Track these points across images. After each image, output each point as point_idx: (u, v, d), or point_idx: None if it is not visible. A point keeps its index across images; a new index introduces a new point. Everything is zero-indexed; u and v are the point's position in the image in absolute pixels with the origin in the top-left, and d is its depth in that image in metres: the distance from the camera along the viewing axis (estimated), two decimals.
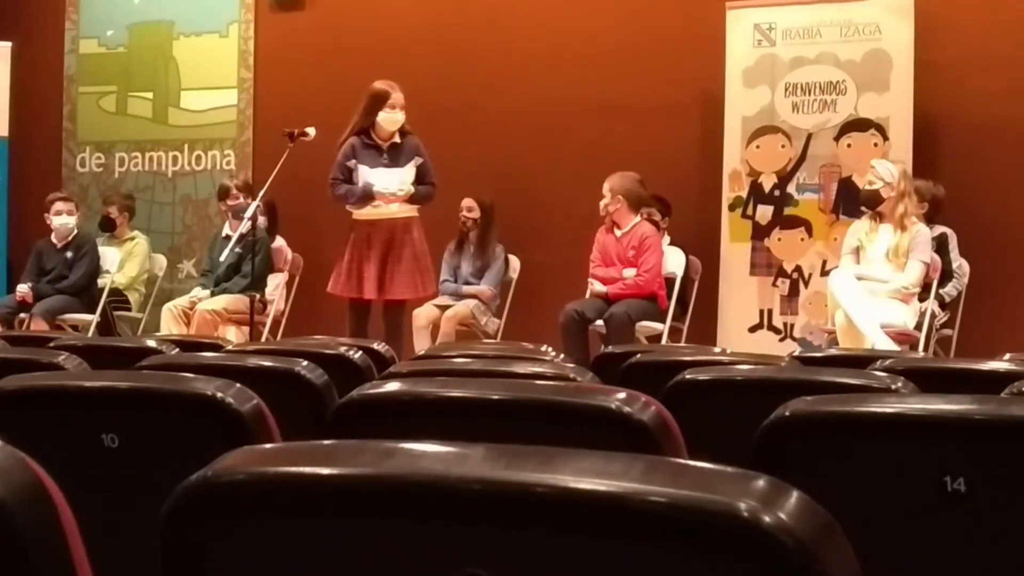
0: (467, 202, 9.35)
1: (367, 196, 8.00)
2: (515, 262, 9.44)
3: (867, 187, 7.78)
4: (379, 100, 8.08)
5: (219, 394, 2.12)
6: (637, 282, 8.45)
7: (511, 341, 7.90)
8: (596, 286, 8.56)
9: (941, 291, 8.01)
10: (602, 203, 8.57)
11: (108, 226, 10.28)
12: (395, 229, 8.03)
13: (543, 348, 4.47)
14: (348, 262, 8.08)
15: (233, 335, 8.87)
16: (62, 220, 9.80)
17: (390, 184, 7.98)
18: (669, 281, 8.68)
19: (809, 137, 8.66)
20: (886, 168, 7.73)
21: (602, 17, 9.61)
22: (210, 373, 2.40)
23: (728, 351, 4.83)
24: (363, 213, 8.06)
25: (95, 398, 2.27)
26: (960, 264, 8.21)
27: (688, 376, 2.81)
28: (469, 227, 9.35)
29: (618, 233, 8.59)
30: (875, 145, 8.45)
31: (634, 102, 9.23)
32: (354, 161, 8.04)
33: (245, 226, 8.52)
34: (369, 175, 8.00)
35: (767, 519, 1.00)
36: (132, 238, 10.30)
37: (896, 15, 8.48)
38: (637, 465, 1.09)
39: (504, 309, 9.33)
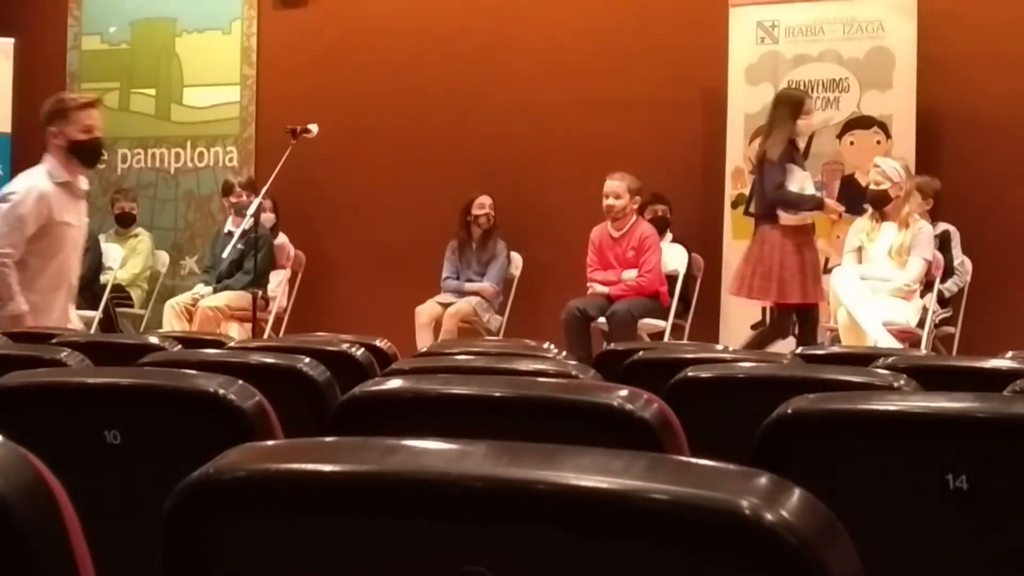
0: (484, 199, 9.33)
1: (817, 206, 7.82)
2: (517, 259, 9.44)
3: (873, 187, 7.73)
4: (799, 106, 7.85)
5: (221, 391, 2.12)
6: (639, 283, 8.44)
7: (513, 338, 7.91)
8: (597, 288, 8.54)
9: (941, 287, 8.01)
10: (619, 203, 8.50)
11: (127, 221, 10.32)
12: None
13: (545, 345, 4.47)
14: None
15: (235, 332, 8.88)
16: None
17: (809, 188, 7.87)
18: (671, 279, 8.68)
19: (812, 135, 8.65)
20: (891, 167, 7.71)
21: (605, 15, 9.61)
22: (212, 370, 2.40)
23: (730, 348, 4.84)
24: (791, 219, 7.76)
25: (97, 394, 2.27)
26: (962, 261, 8.21)
27: (690, 374, 2.81)
28: (483, 224, 9.33)
29: (616, 234, 8.57)
30: (878, 143, 8.44)
31: (637, 99, 9.23)
32: (790, 164, 7.77)
33: (248, 223, 8.52)
34: (805, 182, 7.83)
35: (769, 517, 1.00)
36: (135, 234, 10.32)
37: (899, 12, 8.48)
38: (639, 463, 1.09)
39: (506, 306, 9.33)
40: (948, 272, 8.08)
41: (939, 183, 8.27)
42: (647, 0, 9.51)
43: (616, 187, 8.52)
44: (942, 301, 8.06)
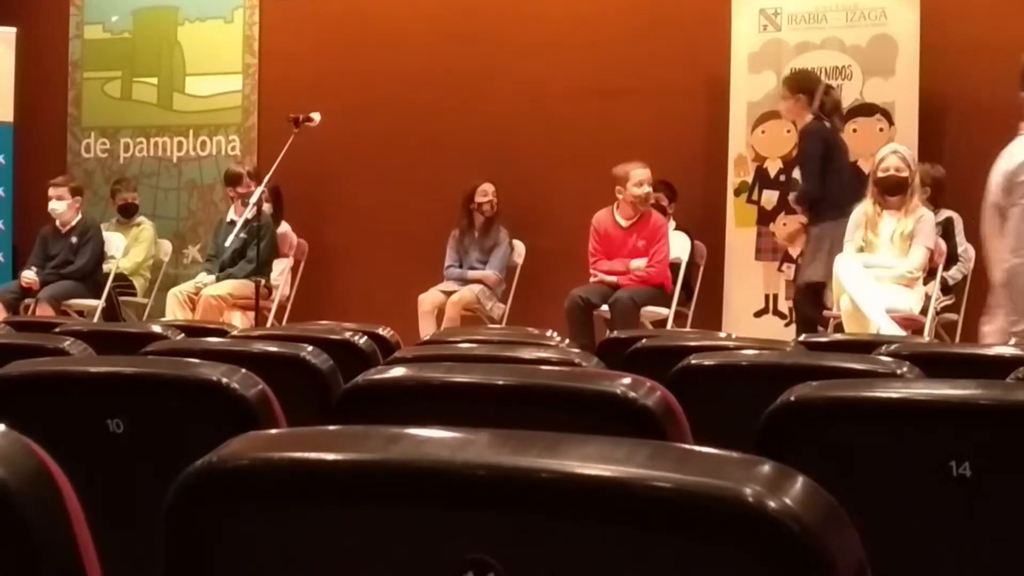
0: (487, 187, 9.32)
1: None
2: (520, 247, 9.43)
3: (895, 174, 7.64)
4: None
5: (224, 379, 2.12)
6: (649, 273, 8.41)
7: (516, 326, 7.91)
8: (604, 278, 8.50)
9: (945, 274, 8.00)
10: (646, 190, 8.44)
11: (130, 211, 10.31)
12: None
13: (548, 333, 4.47)
14: None
15: (238, 320, 8.88)
16: (52, 205, 9.80)
17: None
18: (674, 266, 8.67)
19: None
20: (909, 154, 7.68)
21: (607, 2, 9.60)
22: (215, 358, 2.40)
23: (733, 336, 4.83)
24: None
25: (100, 384, 2.27)
26: (966, 248, 8.18)
27: (693, 361, 2.81)
28: (486, 212, 9.31)
29: (625, 223, 8.51)
30: (881, 130, 8.43)
31: (639, 87, 9.22)
32: None
33: (250, 211, 8.53)
34: None
35: (772, 504, 1.00)
36: (138, 224, 10.31)
37: (901, 0, 8.46)
38: (642, 450, 1.09)
39: (509, 294, 9.33)
40: (952, 259, 8.06)
41: (941, 170, 8.25)
42: None
43: (649, 175, 8.44)
44: (946, 288, 8.04)
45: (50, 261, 9.78)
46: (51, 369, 2.40)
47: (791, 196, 8.04)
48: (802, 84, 7.94)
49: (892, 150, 7.69)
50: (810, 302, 7.79)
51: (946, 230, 8.03)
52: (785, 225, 8.66)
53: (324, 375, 2.83)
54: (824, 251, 7.65)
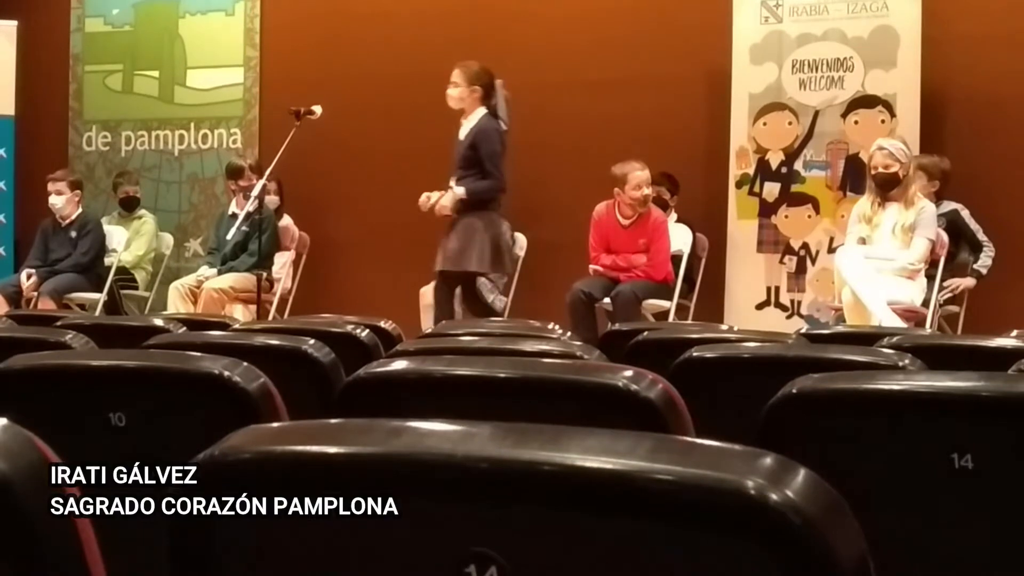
0: None
1: None
2: (521, 240, 9.42)
3: (882, 171, 7.63)
4: None
5: (226, 373, 2.12)
6: (647, 271, 8.35)
7: (518, 319, 7.90)
8: (606, 273, 8.47)
9: (975, 266, 7.98)
10: (650, 191, 8.37)
11: (131, 205, 10.31)
12: None
13: (550, 326, 4.47)
14: None
15: (240, 313, 8.87)
16: (52, 199, 9.78)
17: None
18: (676, 258, 8.65)
19: (816, 114, 8.63)
20: (898, 147, 7.65)
21: None
22: (217, 352, 2.40)
23: (735, 328, 4.83)
24: None
25: (102, 377, 2.28)
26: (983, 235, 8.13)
27: (695, 354, 2.81)
28: None
29: (626, 222, 8.43)
30: (882, 122, 8.42)
31: (640, 79, 9.20)
32: None
33: (252, 204, 8.52)
34: None
35: (774, 497, 1.00)
36: (139, 217, 10.31)
37: None
38: (644, 443, 1.09)
39: (511, 287, 9.32)
40: (976, 247, 8.02)
41: (948, 162, 8.23)
42: None
43: (647, 176, 8.34)
44: (979, 278, 8.00)
45: (50, 255, 9.77)
46: (53, 363, 2.40)
47: (464, 189, 8.17)
48: (481, 78, 8.28)
49: (879, 146, 7.69)
50: (469, 293, 8.31)
51: (955, 222, 8.01)
52: (787, 217, 8.65)
53: (326, 368, 2.83)
54: (486, 241, 8.06)
